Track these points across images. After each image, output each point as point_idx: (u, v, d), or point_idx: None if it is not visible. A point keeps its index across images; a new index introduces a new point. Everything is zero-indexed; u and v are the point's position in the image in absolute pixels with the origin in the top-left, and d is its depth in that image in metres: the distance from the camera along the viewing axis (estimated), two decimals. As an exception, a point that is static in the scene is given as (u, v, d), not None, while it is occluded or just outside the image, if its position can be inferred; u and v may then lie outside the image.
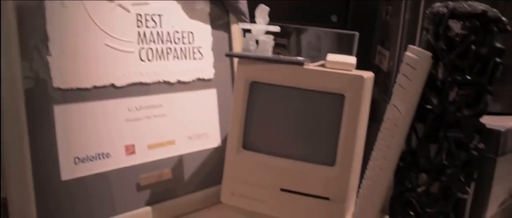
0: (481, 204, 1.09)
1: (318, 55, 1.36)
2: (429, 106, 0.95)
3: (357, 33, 1.25)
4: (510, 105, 1.19)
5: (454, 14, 0.91)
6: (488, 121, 1.10)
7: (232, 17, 1.25)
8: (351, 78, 0.97)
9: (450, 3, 0.93)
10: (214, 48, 1.21)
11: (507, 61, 1.17)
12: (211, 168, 1.20)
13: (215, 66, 1.21)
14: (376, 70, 1.39)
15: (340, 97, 0.98)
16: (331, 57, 1.04)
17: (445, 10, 0.91)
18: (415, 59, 0.87)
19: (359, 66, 1.12)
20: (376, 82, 1.19)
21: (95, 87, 1.00)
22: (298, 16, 1.63)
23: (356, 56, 1.31)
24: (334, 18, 1.67)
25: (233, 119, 1.05)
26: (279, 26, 1.26)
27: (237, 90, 1.05)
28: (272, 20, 1.60)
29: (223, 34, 1.24)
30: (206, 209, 1.19)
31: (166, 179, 1.11)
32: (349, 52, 1.28)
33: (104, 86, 1.01)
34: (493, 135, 1.04)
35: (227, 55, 1.07)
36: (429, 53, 0.87)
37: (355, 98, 0.97)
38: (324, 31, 1.31)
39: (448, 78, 0.91)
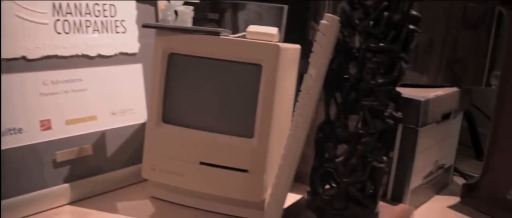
0: (404, 175, 1.09)
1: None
2: (346, 76, 0.94)
3: (286, 6, 1.23)
4: (436, 78, 1.19)
5: (366, -19, 0.89)
6: (413, 92, 1.11)
7: (159, -9, 1.22)
8: (267, 47, 0.95)
9: (364, -30, 0.91)
10: (139, 22, 1.18)
11: (432, 33, 1.18)
12: (139, 145, 1.17)
13: (140, 41, 1.18)
14: (310, 46, 1.38)
15: (257, 67, 0.96)
16: (252, 28, 1.02)
17: (358, -23, 0.90)
18: (325, 24, 0.86)
19: (296, 42, 1.10)
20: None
21: (4, 59, 0.96)
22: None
23: (290, 31, 1.30)
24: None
25: (152, 92, 1.03)
26: (211, 1, 1.24)
27: (156, 63, 1.02)
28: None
29: (149, 8, 1.21)
30: (132, 186, 1.16)
31: (86, 155, 1.08)
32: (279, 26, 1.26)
33: (14, 59, 0.97)
34: (413, 106, 1.04)
35: (144, 26, 1.04)
36: (337, 18, 0.86)
37: (272, 68, 0.95)
38: (254, 5, 1.29)
39: (363, 46, 0.91)
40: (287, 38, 1.23)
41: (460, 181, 1.33)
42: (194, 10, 1.34)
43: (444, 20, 1.16)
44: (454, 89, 1.18)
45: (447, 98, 1.15)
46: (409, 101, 1.04)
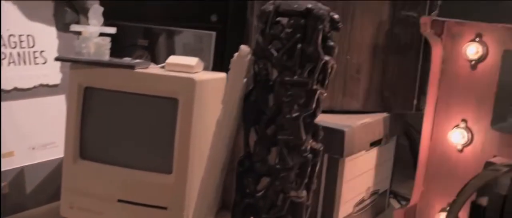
0: (331, 206, 1.07)
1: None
2: (265, 109, 0.92)
3: (214, 33, 1.21)
4: (366, 104, 1.18)
5: (279, 12, 0.88)
6: (340, 120, 1.09)
7: (84, 18, 1.19)
8: (183, 81, 0.93)
9: (278, 1, 0.90)
10: (61, 52, 1.14)
11: (360, 59, 1.17)
12: (61, 180, 1.12)
13: (63, 71, 1.14)
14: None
15: (174, 101, 0.94)
16: (171, 59, 1.00)
17: (271, 7, 0.88)
18: (234, 59, 0.83)
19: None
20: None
21: None
22: (176, 16, 1.58)
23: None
24: (214, 18, 1.62)
25: (68, 127, 0.99)
26: (140, 26, 1.20)
27: (71, 97, 0.98)
28: (148, 19, 1.54)
29: (72, 37, 1.17)
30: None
31: (3, 194, 1.04)
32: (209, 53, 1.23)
33: None
34: (337, 136, 1.02)
35: (57, 59, 1.00)
36: (247, 50, 0.84)
37: (188, 102, 0.93)
38: (183, 32, 1.26)
39: (278, 78, 0.89)
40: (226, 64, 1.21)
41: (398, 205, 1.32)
42: (124, 35, 1.30)
43: (372, 46, 1.15)
44: (384, 115, 1.17)
45: (376, 125, 1.13)
46: (333, 131, 1.02)
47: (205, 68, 1.15)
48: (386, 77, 1.17)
